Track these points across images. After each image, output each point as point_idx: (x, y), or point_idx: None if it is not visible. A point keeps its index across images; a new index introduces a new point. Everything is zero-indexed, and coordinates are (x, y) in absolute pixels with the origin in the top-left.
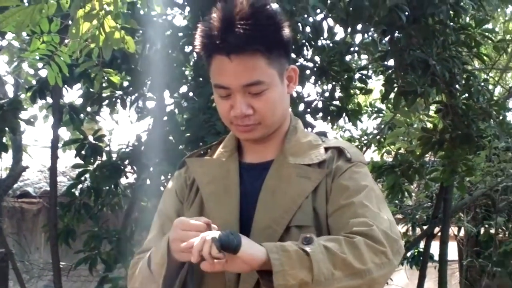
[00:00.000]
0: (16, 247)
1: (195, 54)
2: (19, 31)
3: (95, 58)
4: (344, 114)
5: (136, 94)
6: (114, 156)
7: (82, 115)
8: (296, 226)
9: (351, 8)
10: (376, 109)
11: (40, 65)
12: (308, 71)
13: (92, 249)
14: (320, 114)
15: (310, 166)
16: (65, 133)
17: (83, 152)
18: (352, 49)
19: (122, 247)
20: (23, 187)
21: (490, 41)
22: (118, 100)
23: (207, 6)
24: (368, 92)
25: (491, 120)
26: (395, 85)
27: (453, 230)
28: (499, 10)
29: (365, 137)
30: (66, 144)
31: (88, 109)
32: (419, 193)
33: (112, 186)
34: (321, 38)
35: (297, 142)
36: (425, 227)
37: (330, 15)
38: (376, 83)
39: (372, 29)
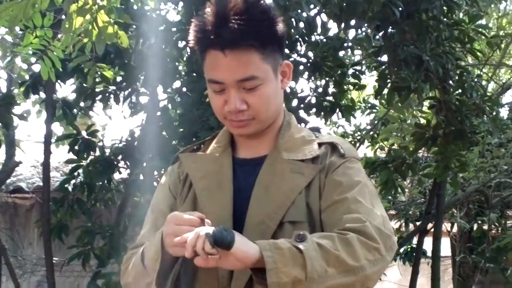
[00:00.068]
0: (9, 242)
1: (188, 49)
2: (12, 26)
3: (88, 53)
4: (337, 110)
5: (130, 89)
6: (107, 151)
7: (75, 110)
8: (289, 221)
9: (344, 4)
10: (369, 104)
11: (33, 60)
12: (301, 67)
13: (85, 245)
14: (314, 110)
15: (303, 162)
16: (58, 128)
17: (76, 147)
18: (345, 44)
19: (115, 243)
20: (16, 182)
21: (483, 37)
22: (112, 95)
23: (200, 1)
24: (361, 87)
25: (485, 116)
26: (388, 80)
27: (446, 226)
28: (492, 6)
29: (359, 133)
30: (59, 139)
31: (81, 104)
32: (412, 189)
33: (105, 182)
34: (315, 33)
35: (291, 137)
36: (418, 223)
37: (323, 10)
38: (370, 79)
39: (365, 24)
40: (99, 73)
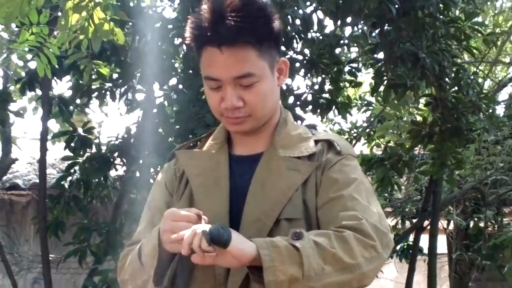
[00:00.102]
0: (5, 239)
1: (184, 47)
2: (8, 23)
3: (84, 50)
4: (333, 107)
5: (126, 86)
6: (104, 148)
7: (71, 107)
8: (286, 218)
9: (341, 1)
10: (365, 102)
11: (29, 56)
12: (297, 64)
13: (81, 242)
14: (310, 107)
15: (300, 159)
16: (54, 125)
17: (72, 144)
18: (342, 42)
19: (112, 240)
20: (12, 179)
21: (479, 34)
22: (108, 92)
23: None
24: (357, 85)
25: (481, 113)
26: (384, 78)
27: (442, 223)
28: (488, 3)
29: (355, 130)
30: (55, 136)
31: (78, 101)
32: (409, 186)
33: (102, 179)
34: (311, 30)
35: (287, 134)
36: (414, 220)
37: (320, 7)
38: (366, 76)
39: (362, 22)
40: (95, 70)
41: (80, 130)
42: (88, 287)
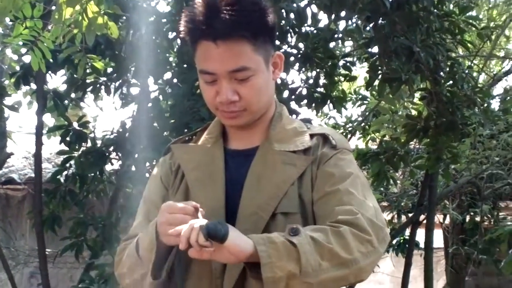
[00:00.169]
0: (2, 233)
1: (179, 40)
2: (2, 17)
3: (78, 44)
4: (328, 101)
5: (120, 81)
6: (99, 142)
7: (66, 101)
8: (282, 213)
9: None
10: (360, 96)
11: (23, 50)
12: (292, 58)
13: (78, 236)
14: (305, 101)
15: (295, 153)
16: (49, 120)
17: (67, 138)
18: (336, 35)
19: (108, 234)
20: (7, 173)
21: (474, 28)
22: (102, 86)
23: None
24: (352, 79)
25: (476, 107)
26: (379, 72)
27: (438, 217)
28: None
29: (350, 124)
30: (50, 130)
31: (72, 95)
32: (404, 180)
33: (97, 173)
34: (305, 24)
35: (282, 128)
36: (410, 215)
37: (314, 1)
38: (361, 70)
39: (356, 15)
40: (89, 64)
41: (75, 125)
42: (85, 281)
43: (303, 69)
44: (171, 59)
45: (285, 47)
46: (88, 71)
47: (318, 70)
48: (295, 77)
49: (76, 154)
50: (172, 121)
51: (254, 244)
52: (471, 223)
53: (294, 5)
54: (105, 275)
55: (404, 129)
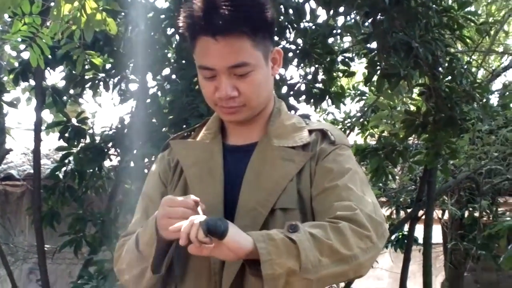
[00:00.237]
0: (0, 229)
1: (177, 36)
2: (1, 13)
3: (77, 40)
4: (327, 97)
5: (119, 77)
6: (98, 138)
7: (65, 98)
8: (280, 208)
9: None
10: (359, 91)
11: (22, 47)
12: (290, 54)
13: (76, 232)
14: (303, 97)
15: (294, 149)
16: (48, 116)
17: (66, 134)
18: (334, 31)
19: (107, 230)
20: (6, 169)
21: (472, 24)
22: (101, 83)
23: None
24: (351, 74)
25: (475, 103)
26: (378, 67)
27: (437, 213)
28: None
29: (349, 120)
30: (49, 126)
31: (71, 91)
32: (403, 176)
33: (96, 169)
34: (304, 20)
35: (281, 124)
36: (409, 210)
37: None
38: (359, 66)
39: (354, 11)
40: (88, 60)
41: (74, 121)
42: (84, 277)
43: (302, 64)
44: (169, 55)
45: (283, 42)
46: (86, 67)
47: (316, 65)
48: (294, 73)
49: (75, 150)
50: (171, 117)
51: (254, 241)
52: (470, 219)
53: (293, 0)
54: (104, 271)
55: (402, 125)
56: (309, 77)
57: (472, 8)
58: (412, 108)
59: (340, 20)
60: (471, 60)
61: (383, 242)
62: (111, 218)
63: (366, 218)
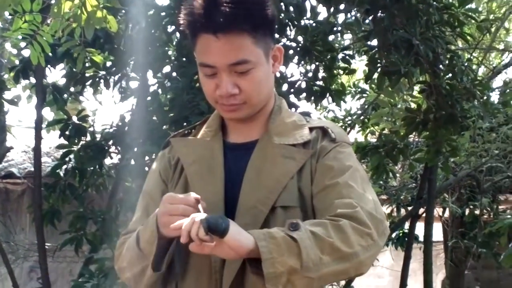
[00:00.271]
0: (1, 228)
1: (178, 34)
2: (2, 11)
3: (77, 38)
4: (327, 95)
5: (119, 74)
6: (98, 136)
7: (65, 95)
8: (281, 206)
9: None
10: (359, 89)
11: (22, 44)
12: (291, 51)
13: (77, 230)
14: (304, 95)
15: (295, 146)
16: (48, 114)
17: (67, 132)
18: (335, 28)
19: (108, 228)
20: (7, 167)
21: (473, 21)
22: (101, 80)
23: None
24: (351, 72)
25: (475, 100)
26: (378, 65)
27: (437, 211)
28: None
29: (349, 118)
30: (50, 124)
31: (72, 89)
32: (404, 173)
33: (97, 167)
34: (304, 17)
35: (282, 122)
36: (409, 208)
37: None
38: (360, 63)
39: (355, 8)
40: (88, 58)
41: (74, 118)
42: (85, 276)
43: (302, 62)
44: (170, 52)
45: (284, 40)
46: (87, 65)
47: (317, 63)
48: (294, 70)
49: (75, 148)
50: (171, 114)
51: (255, 239)
52: (471, 217)
53: None
54: (105, 269)
55: (403, 122)
56: (310, 74)
57: (473, 5)
58: (413, 105)
59: (341, 17)
60: (471, 57)
61: (383, 240)
62: (112, 216)
63: (367, 216)
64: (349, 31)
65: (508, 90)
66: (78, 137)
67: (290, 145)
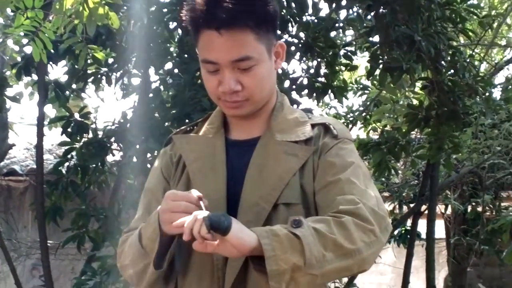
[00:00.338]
0: (4, 225)
1: (179, 30)
2: (4, 7)
3: (79, 34)
4: (329, 91)
5: (121, 71)
6: (100, 133)
7: (67, 92)
8: (284, 203)
9: None
10: (361, 85)
11: (24, 41)
12: (293, 48)
13: (79, 227)
14: (306, 91)
15: (297, 143)
16: (51, 111)
17: (69, 129)
18: (337, 25)
19: (110, 225)
20: (9, 165)
21: (475, 17)
22: (103, 77)
23: None
24: (353, 68)
25: (477, 96)
26: (380, 61)
27: (440, 208)
28: None
29: (351, 114)
30: (52, 121)
31: (74, 86)
32: (406, 170)
33: (99, 164)
34: (306, 14)
35: (284, 118)
36: (412, 205)
37: None
38: (362, 60)
39: (357, 4)
40: (90, 54)
41: (76, 115)
42: (87, 273)
43: (304, 58)
44: (172, 49)
45: (286, 36)
46: (89, 61)
47: (319, 59)
48: (296, 67)
49: (77, 145)
50: (174, 111)
51: (258, 237)
52: (473, 214)
53: None
54: (107, 266)
55: (405, 119)
56: (312, 71)
57: (475, 1)
58: (415, 102)
59: (343, 13)
60: (473, 53)
61: (386, 236)
62: (114, 213)
63: (369, 212)
64: (351, 27)
65: (510, 87)
66: (80, 134)
67: (292, 142)
